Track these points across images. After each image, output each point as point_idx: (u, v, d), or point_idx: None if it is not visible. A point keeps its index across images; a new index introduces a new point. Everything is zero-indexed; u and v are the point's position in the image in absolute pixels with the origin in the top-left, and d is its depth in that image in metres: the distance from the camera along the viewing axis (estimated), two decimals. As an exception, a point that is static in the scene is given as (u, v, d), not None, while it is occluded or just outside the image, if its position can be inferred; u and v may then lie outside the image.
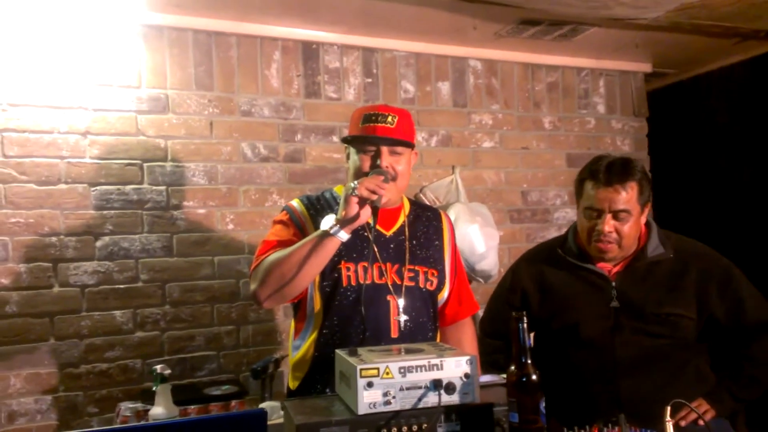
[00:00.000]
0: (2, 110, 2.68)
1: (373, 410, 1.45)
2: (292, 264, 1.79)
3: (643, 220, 2.04)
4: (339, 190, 2.05)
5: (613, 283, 2.02)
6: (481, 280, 3.40)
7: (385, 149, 1.91)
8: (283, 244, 1.88)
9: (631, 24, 3.21)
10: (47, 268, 2.73)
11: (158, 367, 2.64)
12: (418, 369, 1.48)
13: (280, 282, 1.81)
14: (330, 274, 1.91)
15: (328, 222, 1.81)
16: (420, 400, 1.47)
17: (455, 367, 1.49)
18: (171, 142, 2.96)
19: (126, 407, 2.59)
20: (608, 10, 2.93)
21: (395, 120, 1.93)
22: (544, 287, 2.12)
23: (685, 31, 3.36)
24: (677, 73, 4.26)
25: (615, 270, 2.06)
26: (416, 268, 1.99)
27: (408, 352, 1.61)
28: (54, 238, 2.74)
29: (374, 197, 1.78)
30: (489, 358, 2.15)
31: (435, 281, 2.03)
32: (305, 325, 1.96)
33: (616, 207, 1.94)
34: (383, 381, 1.46)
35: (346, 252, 1.91)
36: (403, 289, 1.96)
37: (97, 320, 2.80)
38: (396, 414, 1.45)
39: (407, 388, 1.47)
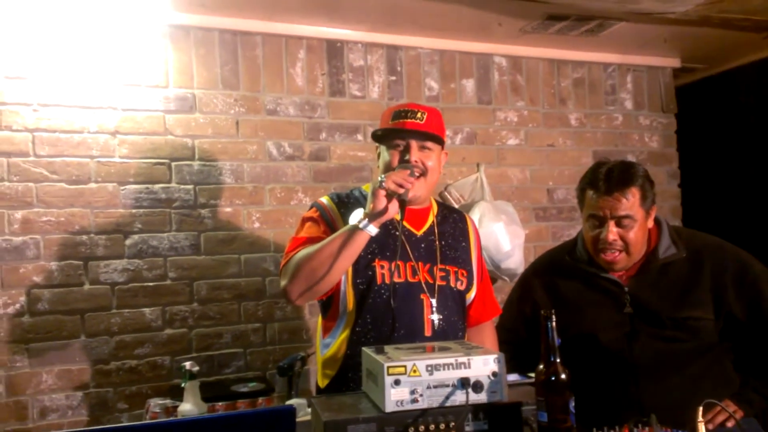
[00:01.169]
0: (33, 110, 2.73)
1: (401, 408, 1.45)
2: (322, 259, 1.79)
3: (650, 224, 1.98)
4: (368, 188, 2.05)
5: (626, 289, 1.98)
6: (506, 278, 3.38)
7: (414, 144, 1.92)
8: (312, 240, 1.89)
9: (659, 18, 3.16)
10: (78, 266, 2.78)
11: (187, 364, 2.67)
12: (446, 367, 1.47)
13: (310, 277, 1.81)
14: (364, 272, 1.91)
15: (356, 216, 1.82)
16: (447, 398, 1.46)
17: (483, 365, 1.49)
18: (198, 142, 2.99)
19: (155, 403, 2.62)
20: (636, 5, 2.89)
21: (425, 116, 1.94)
22: (557, 297, 2.07)
23: (714, 25, 3.30)
24: (706, 68, 4.19)
25: (627, 274, 2.00)
26: (447, 267, 2.00)
27: (435, 350, 1.60)
28: (84, 237, 2.79)
29: (401, 191, 1.78)
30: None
31: (465, 281, 2.04)
32: (337, 323, 1.96)
33: (618, 214, 1.89)
34: (410, 379, 1.45)
35: (380, 250, 1.92)
36: (436, 288, 1.96)
37: (126, 317, 2.84)
38: (423, 412, 1.45)
39: (434, 386, 1.46)
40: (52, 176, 2.75)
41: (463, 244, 2.09)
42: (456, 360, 1.48)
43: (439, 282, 1.97)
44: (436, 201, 2.14)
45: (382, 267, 1.92)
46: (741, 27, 3.37)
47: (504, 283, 3.50)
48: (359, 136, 3.30)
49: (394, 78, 3.39)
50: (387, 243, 1.91)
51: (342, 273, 1.86)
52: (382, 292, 1.91)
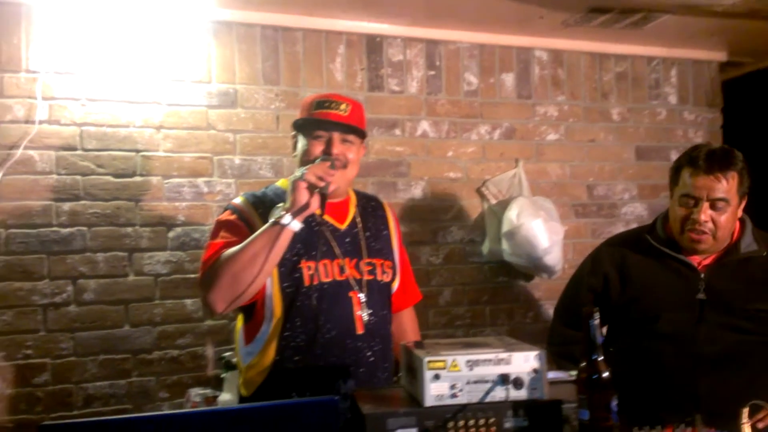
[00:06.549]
0: (81, 105, 2.79)
1: (440, 402, 1.45)
2: (245, 262, 1.71)
3: (740, 213, 1.98)
4: (282, 184, 2.01)
5: (702, 275, 1.96)
6: (544, 275, 3.35)
7: (336, 136, 1.88)
8: (230, 245, 1.79)
9: (706, 11, 3.09)
10: (123, 257, 2.84)
11: (227, 355, 2.73)
12: (486, 363, 1.47)
13: (234, 283, 1.72)
14: (291, 275, 1.85)
15: (277, 212, 1.75)
16: (487, 394, 1.47)
17: (524, 361, 1.48)
18: (239, 136, 3.03)
19: (196, 393, 2.68)
20: (682, -3, 2.84)
21: (348, 108, 1.91)
22: (626, 273, 2.06)
23: (763, 17, 3.20)
24: (754, 62, 4.07)
25: (705, 263, 1.99)
26: (373, 260, 1.97)
27: (473, 345, 1.60)
28: (129, 229, 2.85)
29: (322, 184, 1.74)
30: (560, 349, 2.11)
31: (390, 273, 2.01)
32: (261, 329, 1.89)
33: (715, 195, 1.88)
34: (450, 374, 1.46)
35: (305, 250, 1.86)
36: (364, 283, 1.93)
37: (169, 308, 2.90)
38: (463, 407, 1.45)
39: (474, 382, 1.47)
40: (98, 169, 2.82)
41: (384, 232, 2.06)
42: (497, 356, 1.48)
43: (366, 276, 1.93)
44: (354, 191, 2.10)
45: (309, 268, 1.87)
46: (791, 20, 3.27)
47: (542, 280, 3.47)
48: (398, 131, 3.30)
49: (432, 73, 3.38)
50: (312, 242, 1.86)
51: (268, 274, 1.77)
52: (310, 294, 1.86)
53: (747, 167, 1.96)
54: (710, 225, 1.91)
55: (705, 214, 1.89)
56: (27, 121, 2.71)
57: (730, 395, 1.75)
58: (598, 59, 3.69)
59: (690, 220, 1.92)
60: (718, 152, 1.93)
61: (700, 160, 1.90)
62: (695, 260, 2.00)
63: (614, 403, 1.39)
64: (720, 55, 3.89)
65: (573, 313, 2.14)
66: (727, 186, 1.89)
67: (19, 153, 2.68)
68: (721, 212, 1.90)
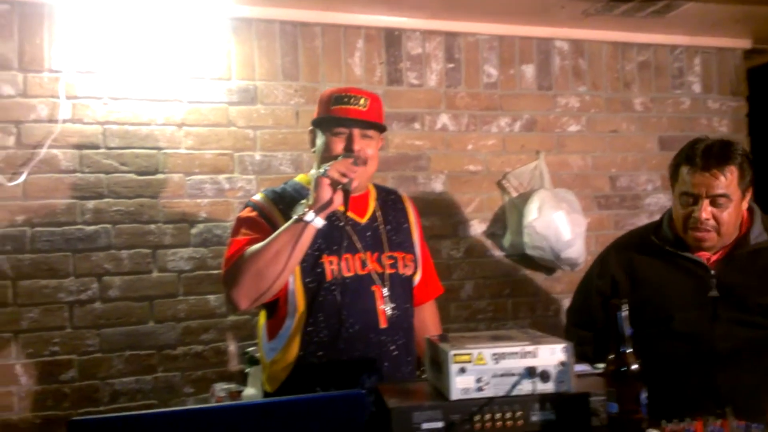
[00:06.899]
0: (104, 104, 2.81)
1: (466, 396, 1.45)
2: (269, 258, 1.72)
3: (745, 205, 1.93)
4: (301, 180, 2.02)
5: (712, 272, 1.92)
6: (567, 267, 3.32)
7: (357, 132, 1.88)
8: (253, 242, 1.80)
9: (730, -2, 3.04)
10: (147, 254, 2.86)
11: (250, 350, 2.74)
12: (512, 356, 1.47)
13: (257, 280, 1.73)
14: (313, 270, 1.86)
15: (300, 209, 1.76)
16: (513, 387, 1.46)
17: (550, 354, 1.47)
18: (260, 132, 3.04)
19: (220, 388, 2.70)
20: (706, -17, 2.79)
21: (367, 103, 1.90)
22: (635, 276, 2.03)
23: (789, 3, 3.15)
24: (780, 48, 4.00)
25: (714, 258, 1.95)
26: (395, 254, 1.97)
27: (498, 338, 1.59)
28: (153, 226, 2.87)
29: (345, 180, 1.74)
30: (575, 350, 2.10)
31: (412, 266, 2.02)
32: (284, 324, 1.90)
33: (714, 192, 1.84)
34: (476, 367, 1.45)
35: (327, 245, 1.87)
36: (386, 276, 1.93)
37: (192, 304, 2.91)
38: (489, 401, 1.44)
39: (500, 375, 1.46)
40: (121, 167, 2.84)
41: (405, 225, 2.06)
42: (523, 349, 1.47)
43: (388, 270, 1.94)
44: (374, 184, 2.10)
45: (331, 263, 1.88)
46: (819, 4, 3.20)
47: (564, 273, 3.44)
48: (417, 125, 3.29)
49: (452, 65, 3.36)
50: (333, 236, 1.87)
51: (291, 271, 1.78)
52: (332, 289, 1.86)
53: (748, 159, 1.90)
54: (712, 222, 1.87)
55: (705, 211, 1.85)
56: (50, 120, 2.73)
57: (749, 390, 1.74)
58: (620, 48, 3.64)
59: (691, 218, 1.88)
60: (716, 148, 1.88)
61: (696, 157, 1.86)
62: (704, 257, 1.96)
63: (644, 395, 1.38)
64: (744, 43, 3.82)
65: (584, 314, 2.14)
66: (726, 182, 1.84)
67: (43, 152, 2.71)
68: (722, 208, 1.86)
